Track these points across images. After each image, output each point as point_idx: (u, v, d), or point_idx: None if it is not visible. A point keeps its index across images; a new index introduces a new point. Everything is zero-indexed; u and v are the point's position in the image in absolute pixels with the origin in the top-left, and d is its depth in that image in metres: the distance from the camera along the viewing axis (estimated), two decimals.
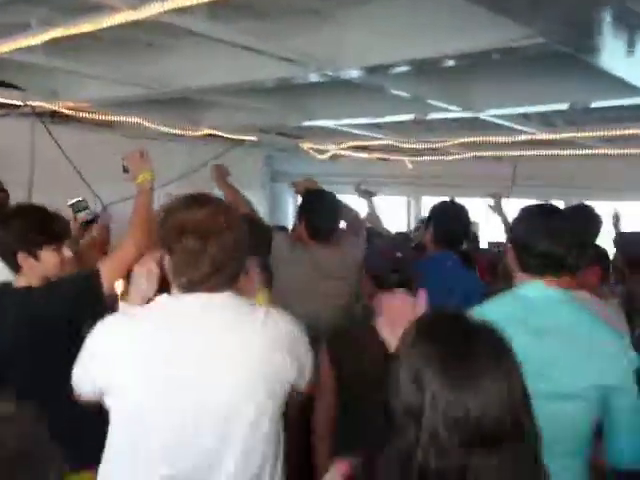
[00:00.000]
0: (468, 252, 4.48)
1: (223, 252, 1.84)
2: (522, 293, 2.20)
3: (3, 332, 2.48)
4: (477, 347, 1.33)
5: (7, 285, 2.57)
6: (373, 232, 4.69)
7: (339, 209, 3.86)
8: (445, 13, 2.66)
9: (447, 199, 3.98)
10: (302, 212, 3.78)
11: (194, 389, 1.80)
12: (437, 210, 3.79)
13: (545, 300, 2.15)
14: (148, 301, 2.11)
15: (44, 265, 2.55)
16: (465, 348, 1.32)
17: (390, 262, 2.73)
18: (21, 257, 2.52)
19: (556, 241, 2.15)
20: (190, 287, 1.87)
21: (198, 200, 1.92)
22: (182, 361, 1.82)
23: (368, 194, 5.42)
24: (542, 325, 2.08)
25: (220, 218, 1.86)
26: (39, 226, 2.58)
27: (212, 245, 1.83)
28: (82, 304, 2.50)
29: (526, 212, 2.31)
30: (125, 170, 2.83)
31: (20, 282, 2.56)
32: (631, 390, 2.05)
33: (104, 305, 2.49)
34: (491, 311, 2.15)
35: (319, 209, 3.70)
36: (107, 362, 1.86)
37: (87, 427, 2.13)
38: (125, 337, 1.87)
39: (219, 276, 1.86)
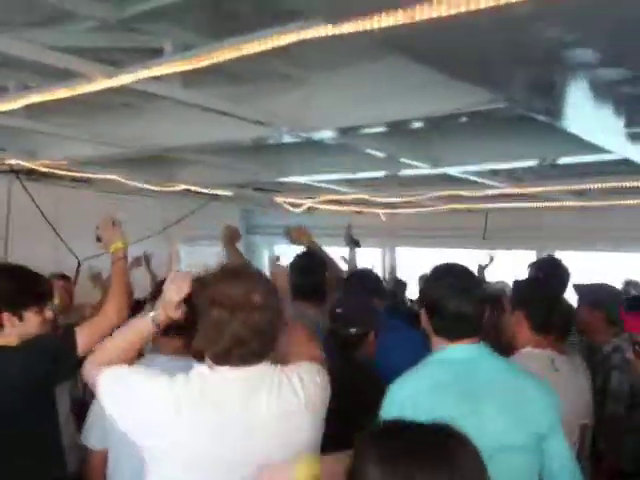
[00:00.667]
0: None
1: (246, 328, 1.84)
2: (442, 357, 2.21)
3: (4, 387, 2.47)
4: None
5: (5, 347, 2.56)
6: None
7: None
8: (412, 78, 2.76)
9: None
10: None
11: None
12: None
13: (471, 360, 2.17)
14: None
15: (26, 325, 2.59)
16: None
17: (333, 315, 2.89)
18: (5, 317, 2.55)
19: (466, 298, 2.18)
20: (217, 360, 1.89)
21: (235, 273, 1.96)
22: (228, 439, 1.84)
23: (355, 243, 5.45)
24: (473, 386, 2.10)
25: (254, 294, 1.87)
26: (25, 287, 2.62)
27: (236, 319, 1.83)
28: (58, 364, 2.53)
29: (436, 272, 2.33)
30: (98, 239, 2.87)
31: None
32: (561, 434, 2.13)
33: (78, 365, 2.51)
34: (418, 379, 2.17)
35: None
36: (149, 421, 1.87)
37: None
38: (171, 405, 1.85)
39: (241, 350, 1.86)
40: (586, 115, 2.71)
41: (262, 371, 1.91)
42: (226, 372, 1.88)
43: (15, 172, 5.05)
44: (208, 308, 1.87)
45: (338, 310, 3.04)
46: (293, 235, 4.13)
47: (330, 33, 1.71)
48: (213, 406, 1.84)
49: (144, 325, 2.11)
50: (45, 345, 2.60)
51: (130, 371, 2.01)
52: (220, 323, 1.84)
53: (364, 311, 3.13)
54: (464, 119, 2.85)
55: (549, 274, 4.23)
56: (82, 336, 2.54)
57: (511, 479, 1.99)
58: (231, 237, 4.52)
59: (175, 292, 2.02)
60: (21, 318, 2.57)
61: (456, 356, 2.17)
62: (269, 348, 1.93)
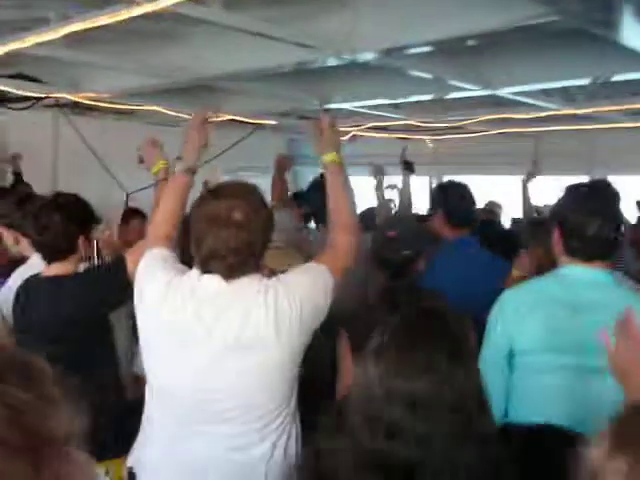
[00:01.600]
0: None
1: (221, 242, 1.92)
2: (562, 273, 2.19)
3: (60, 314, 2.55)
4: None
5: (58, 277, 2.64)
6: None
7: None
8: None
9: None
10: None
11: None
12: (447, 190, 3.58)
13: (589, 281, 2.14)
14: None
15: (90, 248, 2.72)
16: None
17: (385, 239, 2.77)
18: (81, 241, 2.65)
19: (608, 224, 2.13)
20: (200, 270, 1.99)
21: (226, 191, 2.02)
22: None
23: (410, 169, 5.25)
24: (580, 302, 2.09)
25: (234, 212, 1.92)
26: (91, 210, 2.78)
27: (212, 233, 1.92)
28: (111, 290, 2.59)
29: (574, 192, 2.27)
30: (140, 160, 2.87)
31: (51, 271, 2.62)
32: None
33: (130, 290, 2.59)
34: (525, 290, 2.21)
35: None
36: None
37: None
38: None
39: (217, 263, 1.94)
40: None
41: (239, 288, 1.96)
42: (205, 280, 1.98)
43: (60, 106, 5.06)
44: (194, 221, 1.98)
45: (390, 233, 2.94)
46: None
47: None
48: (190, 304, 1.96)
49: (179, 181, 2.37)
50: (99, 273, 2.67)
51: (155, 258, 2.16)
52: (200, 236, 1.95)
53: (416, 233, 3.03)
54: (514, 35, 2.73)
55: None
56: (132, 260, 2.58)
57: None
58: (282, 166, 4.49)
59: (196, 136, 2.41)
60: (90, 242, 2.70)
61: (581, 277, 2.14)
62: (249, 266, 1.97)
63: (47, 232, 2.60)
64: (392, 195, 5.91)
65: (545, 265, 2.57)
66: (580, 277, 2.15)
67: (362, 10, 3.00)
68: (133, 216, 4.55)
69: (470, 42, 2.89)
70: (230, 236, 1.91)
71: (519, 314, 2.17)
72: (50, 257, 2.64)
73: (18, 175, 5.40)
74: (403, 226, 2.91)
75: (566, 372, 2.08)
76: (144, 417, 2.11)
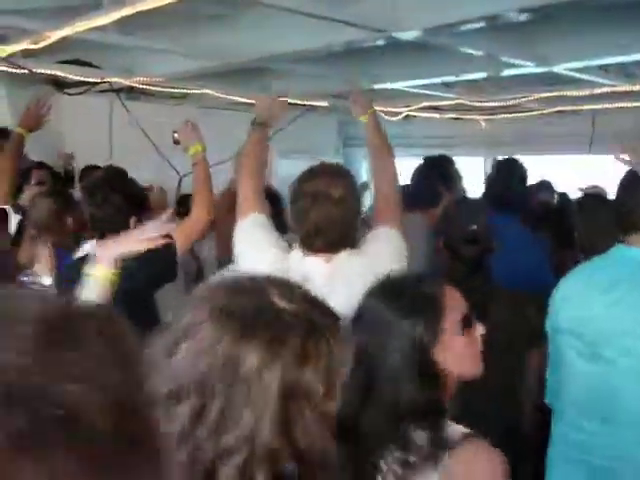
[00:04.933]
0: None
1: (324, 217, 2.01)
2: (613, 253, 2.13)
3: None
4: None
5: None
6: None
7: None
8: None
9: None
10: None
11: None
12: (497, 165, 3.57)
13: None
14: None
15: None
16: None
17: (467, 234, 2.62)
18: (133, 222, 2.65)
19: None
20: (303, 246, 2.10)
21: (322, 170, 2.14)
22: None
23: None
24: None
25: (334, 188, 2.02)
26: (146, 196, 2.85)
27: (314, 209, 2.02)
28: (160, 270, 2.64)
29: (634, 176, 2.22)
30: (176, 142, 2.90)
31: None
32: None
33: (176, 269, 2.67)
34: (573, 277, 2.18)
35: None
36: None
37: None
38: None
39: (320, 239, 2.04)
40: None
41: (340, 263, 2.05)
42: (308, 262, 2.06)
43: (115, 91, 5.14)
44: (295, 199, 2.08)
45: (471, 228, 2.63)
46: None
47: None
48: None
49: (255, 137, 2.49)
50: (147, 254, 2.70)
51: (259, 226, 2.25)
52: (301, 212, 2.05)
53: (489, 225, 2.84)
54: (570, 9, 2.67)
55: None
56: (179, 240, 2.62)
57: None
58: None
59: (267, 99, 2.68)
60: (142, 222, 2.70)
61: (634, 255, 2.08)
62: (349, 241, 2.08)
63: (106, 205, 2.62)
64: None
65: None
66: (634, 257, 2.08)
67: None
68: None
69: (522, 17, 2.82)
70: (332, 211, 2.00)
71: (572, 302, 2.16)
72: (102, 233, 2.67)
73: (68, 173, 5.50)
74: (480, 219, 2.71)
75: None
76: None
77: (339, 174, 2.10)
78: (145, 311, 2.65)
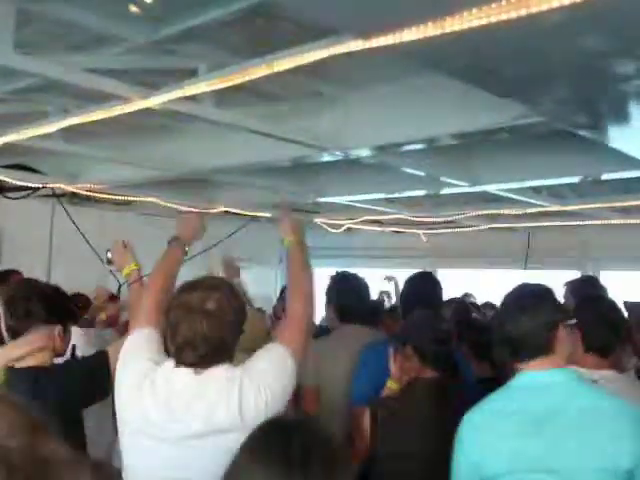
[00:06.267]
0: None
1: (193, 332, 1.98)
2: (516, 383, 2.11)
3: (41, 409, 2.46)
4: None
5: (33, 368, 2.52)
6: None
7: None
8: (449, 93, 2.72)
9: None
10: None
11: None
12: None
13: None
14: None
15: (67, 338, 2.64)
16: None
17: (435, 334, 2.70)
18: (57, 333, 2.55)
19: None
20: (175, 359, 2.05)
21: (200, 283, 2.10)
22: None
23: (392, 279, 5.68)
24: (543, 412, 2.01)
25: (208, 302, 2.01)
26: (71, 307, 2.76)
27: (186, 322, 1.99)
28: (91, 386, 2.55)
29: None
30: (109, 262, 2.86)
31: (26, 362, 2.54)
32: None
33: (111, 384, 2.53)
34: (480, 411, 2.13)
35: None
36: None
37: None
38: None
39: (190, 352, 1.99)
40: (629, 129, 2.64)
41: (207, 382, 2.00)
42: (177, 373, 2.02)
43: (57, 196, 5.13)
44: (170, 310, 2.05)
45: (444, 327, 2.78)
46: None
47: (360, 47, 1.68)
48: (162, 397, 1.99)
49: (171, 253, 2.51)
50: (80, 367, 2.61)
51: (141, 339, 2.21)
52: (174, 325, 2.01)
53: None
54: (503, 134, 2.81)
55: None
56: (114, 357, 2.54)
57: None
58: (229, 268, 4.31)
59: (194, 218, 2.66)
60: (69, 332, 2.64)
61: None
62: (223, 355, 2.04)
63: (24, 319, 2.52)
64: (388, 287, 6.00)
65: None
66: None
67: (354, 108, 3.09)
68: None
69: (459, 141, 2.96)
70: (202, 325, 1.97)
71: (480, 438, 2.09)
72: None
73: None
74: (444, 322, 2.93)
75: None
76: None
77: (217, 287, 2.08)
78: (72, 429, 2.54)
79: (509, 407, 2.07)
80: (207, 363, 2.01)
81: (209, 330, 1.98)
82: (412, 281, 3.64)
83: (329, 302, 3.50)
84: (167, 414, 1.98)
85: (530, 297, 2.21)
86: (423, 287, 3.55)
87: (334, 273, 3.67)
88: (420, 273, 3.74)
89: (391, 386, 2.74)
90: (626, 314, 3.81)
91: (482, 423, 2.10)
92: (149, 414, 2.00)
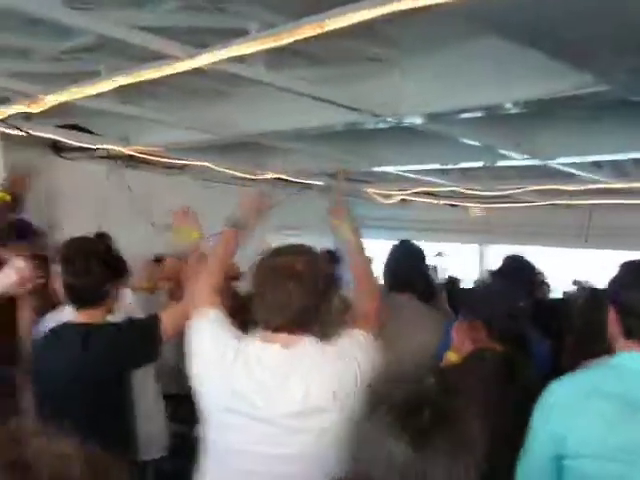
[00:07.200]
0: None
1: (282, 295, 1.94)
2: (617, 362, 1.97)
3: (90, 364, 2.48)
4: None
5: (87, 324, 2.57)
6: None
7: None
8: (509, 61, 2.61)
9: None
10: None
11: None
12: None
13: None
14: None
15: (118, 296, 2.71)
16: None
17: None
18: (111, 288, 2.59)
19: None
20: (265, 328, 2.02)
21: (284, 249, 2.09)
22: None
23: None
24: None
25: (296, 265, 1.97)
26: (124, 261, 2.76)
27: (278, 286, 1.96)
28: (143, 348, 2.57)
29: (631, 269, 2.09)
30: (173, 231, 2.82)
31: (81, 318, 2.58)
32: None
33: (157, 351, 2.55)
34: (571, 384, 1.99)
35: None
36: None
37: None
38: None
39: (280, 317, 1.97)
40: None
41: (299, 356, 1.97)
42: (267, 349, 1.99)
43: (112, 158, 5.16)
44: (257, 276, 2.02)
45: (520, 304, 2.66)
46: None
47: (412, 6, 1.59)
48: (256, 375, 1.96)
49: (229, 234, 2.40)
50: (131, 327, 2.62)
51: (215, 321, 2.14)
52: (262, 289, 1.99)
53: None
54: (567, 104, 2.68)
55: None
56: (166, 324, 2.54)
57: None
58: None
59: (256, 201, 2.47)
60: (118, 289, 2.69)
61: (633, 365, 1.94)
62: (311, 323, 2.00)
63: (83, 276, 2.54)
64: (438, 261, 5.90)
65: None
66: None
67: (409, 73, 2.99)
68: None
69: (520, 110, 2.83)
70: (292, 287, 1.94)
71: (569, 412, 1.94)
72: (80, 303, 2.59)
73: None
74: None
75: None
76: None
77: (304, 252, 2.05)
78: (119, 392, 2.56)
79: (607, 387, 1.92)
80: (296, 328, 1.98)
81: (299, 292, 1.94)
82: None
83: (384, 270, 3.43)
84: (261, 392, 1.95)
85: None
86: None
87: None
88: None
89: (451, 357, 2.66)
90: None
91: (575, 398, 1.95)
92: (241, 391, 1.97)
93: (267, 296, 1.97)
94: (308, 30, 2.03)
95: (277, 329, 1.98)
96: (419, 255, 3.49)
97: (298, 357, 1.96)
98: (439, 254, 5.67)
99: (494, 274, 3.67)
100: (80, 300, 2.59)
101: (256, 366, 1.97)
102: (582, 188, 4.99)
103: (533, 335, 3.07)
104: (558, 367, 2.45)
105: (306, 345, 1.98)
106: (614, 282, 2.12)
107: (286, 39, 2.11)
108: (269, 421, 1.95)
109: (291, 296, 1.93)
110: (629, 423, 1.84)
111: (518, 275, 3.40)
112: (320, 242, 4.52)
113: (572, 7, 1.67)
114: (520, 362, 2.56)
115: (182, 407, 2.95)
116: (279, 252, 2.04)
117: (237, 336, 2.08)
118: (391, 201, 6.71)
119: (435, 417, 1.32)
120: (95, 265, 2.55)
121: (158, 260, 4.91)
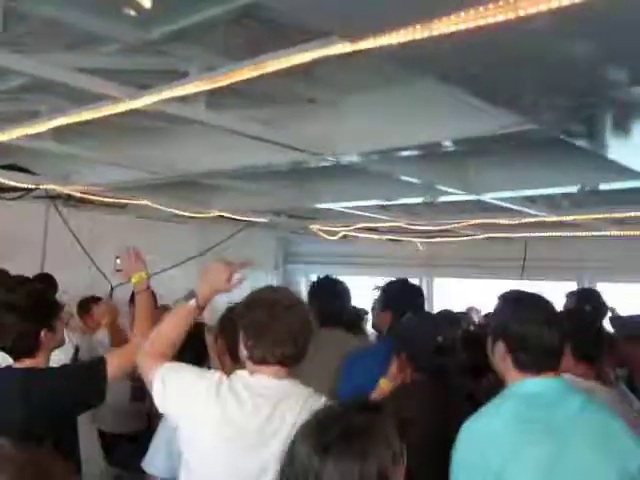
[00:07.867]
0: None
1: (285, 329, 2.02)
2: (522, 390, 2.05)
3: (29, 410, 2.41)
4: None
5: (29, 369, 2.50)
6: None
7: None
8: (442, 101, 2.70)
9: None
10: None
11: None
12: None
13: (551, 392, 2.04)
14: None
15: (57, 335, 2.58)
16: None
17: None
18: (44, 334, 2.49)
19: (555, 331, 2.04)
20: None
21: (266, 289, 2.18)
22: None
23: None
24: (558, 422, 1.97)
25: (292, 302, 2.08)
26: (51, 300, 2.64)
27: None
28: (87, 392, 2.51)
29: (516, 301, 2.18)
30: (118, 270, 2.81)
31: (22, 364, 2.50)
32: None
33: (104, 393, 2.50)
34: (489, 424, 2.03)
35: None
36: None
37: None
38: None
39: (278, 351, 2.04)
40: (626, 140, 2.61)
41: (294, 388, 2.06)
42: (260, 378, 2.05)
43: (51, 197, 5.10)
44: (249, 311, 2.06)
45: (439, 339, 2.67)
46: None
47: (347, 50, 1.66)
48: (241, 405, 2.01)
49: (187, 309, 2.28)
50: (75, 370, 2.57)
51: (178, 368, 2.17)
52: (260, 324, 2.03)
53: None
54: (498, 142, 2.78)
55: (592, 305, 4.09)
56: (112, 365, 2.51)
57: None
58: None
59: (218, 279, 2.28)
60: (54, 330, 2.55)
61: (537, 390, 2.03)
62: (299, 359, 2.08)
63: (3, 334, 2.47)
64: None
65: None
66: (538, 391, 2.03)
67: (346, 113, 3.06)
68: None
69: (453, 147, 2.92)
70: (293, 323, 2.02)
71: (503, 452, 1.96)
72: (14, 356, 2.51)
73: None
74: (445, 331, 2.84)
75: None
76: None
77: (291, 293, 2.16)
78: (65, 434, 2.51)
79: (525, 414, 2.00)
80: (293, 362, 2.06)
81: (299, 328, 2.03)
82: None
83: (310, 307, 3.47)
84: (253, 421, 1.99)
85: (548, 307, 2.16)
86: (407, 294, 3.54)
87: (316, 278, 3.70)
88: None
89: (382, 384, 2.70)
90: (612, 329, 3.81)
91: (499, 428, 2.00)
92: (234, 421, 1.99)
93: (266, 332, 2.02)
94: (247, 72, 2.08)
95: (274, 363, 2.05)
96: (340, 289, 3.68)
97: (291, 388, 2.07)
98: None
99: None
100: (12, 352, 2.52)
101: (245, 395, 2.02)
102: (517, 222, 5.14)
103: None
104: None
105: (294, 383, 2.08)
106: (499, 316, 2.18)
107: (226, 81, 2.16)
108: (265, 444, 1.98)
109: (293, 332, 2.02)
110: (548, 445, 1.92)
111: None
112: (263, 278, 4.57)
113: (499, 53, 1.76)
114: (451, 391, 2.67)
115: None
116: (272, 290, 2.17)
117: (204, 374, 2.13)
118: (335, 237, 6.78)
119: (342, 433, 1.51)
120: (15, 318, 2.46)
121: (94, 300, 4.80)
